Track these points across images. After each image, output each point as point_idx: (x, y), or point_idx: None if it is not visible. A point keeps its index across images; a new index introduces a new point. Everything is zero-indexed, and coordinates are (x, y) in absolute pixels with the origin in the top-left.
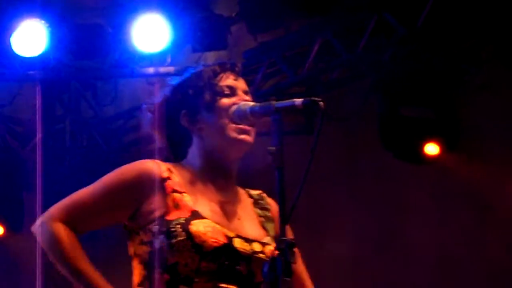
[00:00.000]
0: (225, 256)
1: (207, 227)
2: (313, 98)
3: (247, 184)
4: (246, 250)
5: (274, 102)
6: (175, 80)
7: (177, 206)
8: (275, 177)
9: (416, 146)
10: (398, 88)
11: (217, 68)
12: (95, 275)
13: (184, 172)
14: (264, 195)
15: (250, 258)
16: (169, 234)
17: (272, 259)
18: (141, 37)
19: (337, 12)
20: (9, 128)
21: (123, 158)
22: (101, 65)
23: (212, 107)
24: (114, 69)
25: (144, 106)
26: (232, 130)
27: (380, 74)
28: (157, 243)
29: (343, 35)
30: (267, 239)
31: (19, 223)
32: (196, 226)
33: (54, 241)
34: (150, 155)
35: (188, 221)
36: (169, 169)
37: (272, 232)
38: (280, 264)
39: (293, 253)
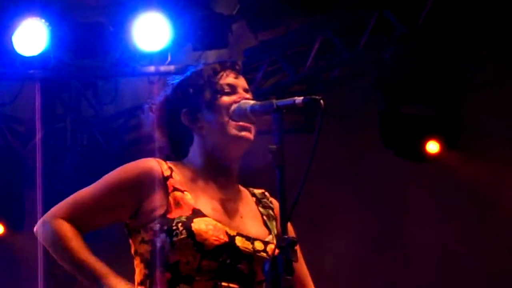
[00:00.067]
0: (227, 254)
1: (209, 225)
2: (313, 97)
3: (248, 183)
4: (248, 249)
5: (274, 101)
6: (176, 79)
7: (178, 204)
8: (276, 176)
9: (417, 144)
10: (399, 86)
11: (217, 66)
12: (100, 264)
13: (185, 171)
14: (267, 194)
15: (251, 256)
16: (170, 232)
17: (273, 257)
18: (141, 36)
19: (337, 10)
20: (10, 127)
21: (123, 157)
22: (102, 64)
23: (213, 106)
24: (115, 67)
25: (146, 105)
26: (232, 127)
27: (381, 72)
28: (158, 242)
29: (343, 33)
30: (269, 238)
31: (19, 222)
32: (198, 224)
33: (57, 236)
34: (150, 154)
35: (189, 219)
36: (170, 168)
37: (275, 231)
38: (282, 262)
39: (295, 251)
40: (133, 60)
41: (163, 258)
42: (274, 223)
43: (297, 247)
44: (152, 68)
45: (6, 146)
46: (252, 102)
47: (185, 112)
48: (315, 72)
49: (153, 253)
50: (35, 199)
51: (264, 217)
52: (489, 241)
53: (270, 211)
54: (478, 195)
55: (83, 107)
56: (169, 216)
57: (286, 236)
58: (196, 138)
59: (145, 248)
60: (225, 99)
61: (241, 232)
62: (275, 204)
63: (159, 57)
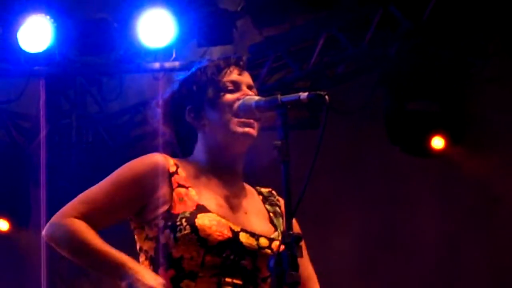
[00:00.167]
0: (230, 250)
1: (212, 221)
2: (318, 92)
3: (254, 180)
4: (252, 245)
5: (279, 96)
6: (181, 76)
7: (182, 200)
8: (281, 171)
9: (422, 140)
10: (404, 82)
11: (221, 63)
12: (120, 253)
13: (190, 168)
14: (274, 192)
15: (255, 253)
16: (174, 228)
17: (278, 253)
18: (146, 32)
19: (342, 6)
20: (15, 124)
21: (128, 153)
22: (107, 60)
23: (215, 103)
24: (120, 64)
25: (154, 101)
26: (235, 124)
27: (386, 68)
28: (162, 238)
29: (348, 29)
30: (275, 235)
31: (25, 218)
32: (202, 220)
33: (71, 233)
34: (155, 150)
35: (193, 214)
36: (176, 164)
37: (281, 228)
38: (287, 258)
39: (300, 247)
40: (138, 56)
41: (166, 255)
42: (280, 220)
43: (302, 243)
44: (157, 65)
45: (11, 142)
46: (257, 97)
47: (189, 109)
48: (320, 68)
49: (157, 250)
50: (40, 196)
51: (271, 214)
52: (495, 237)
53: (277, 208)
54: (484, 189)
55: (88, 103)
56: (173, 211)
57: (291, 232)
58: (200, 136)
59: (149, 245)
60: (228, 96)
61: (246, 228)
62: (282, 202)
63: (164, 54)
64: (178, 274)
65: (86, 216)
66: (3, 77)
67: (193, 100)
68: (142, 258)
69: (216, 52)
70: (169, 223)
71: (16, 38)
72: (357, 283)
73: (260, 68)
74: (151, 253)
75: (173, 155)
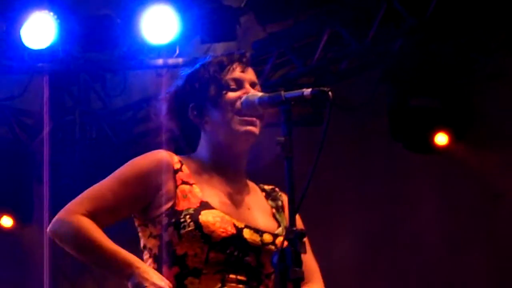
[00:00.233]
0: (234, 246)
1: (216, 217)
2: (322, 88)
3: (258, 177)
4: (256, 241)
5: (283, 92)
6: (186, 71)
7: (186, 197)
8: (284, 167)
9: (425, 136)
10: (408, 78)
11: (224, 60)
12: (127, 252)
13: (194, 165)
14: (277, 189)
15: (259, 249)
16: (178, 224)
17: (282, 249)
18: (150, 29)
19: (346, 2)
20: (18, 121)
21: (132, 150)
22: (110, 56)
23: (217, 102)
24: (123, 60)
25: (160, 96)
26: (236, 123)
27: (389, 64)
28: (166, 236)
29: (352, 25)
30: (279, 231)
31: (28, 215)
32: (205, 216)
33: (77, 230)
34: (159, 147)
35: (197, 211)
36: (180, 161)
37: (284, 223)
38: (290, 254)
39: (303, 243)
40: (141, 53)
41: (170, 252)
42: (283, 214)
43: (306, 239)
44: (160, 61)
45: (14, 139)
46: (260, 94)
47: (192, 107)
48: (324, 64)
49: (161, 247)
50: (43, 193)
51: (274, 210)
52: (499, 232)
53: (279, 202)
54: (487, 186)
55: (91, 100)
56: (177, 208)
57: (294, 228)
58: (202, 133)
59: (153, 243)
60: (230, 95)
61: (249, 225)
62: (284, 197)
63: (168, 50)
64: (182, 271)
65: (91, 213)
66: (7, 74)
67: (195, 97)
68: (146, 255)
69: (219, 48)
70: (173, 220)
71: (20, 35)
72: (358, 279)
73: (263, 65)
74: (155, 250)
75: (178, 150)
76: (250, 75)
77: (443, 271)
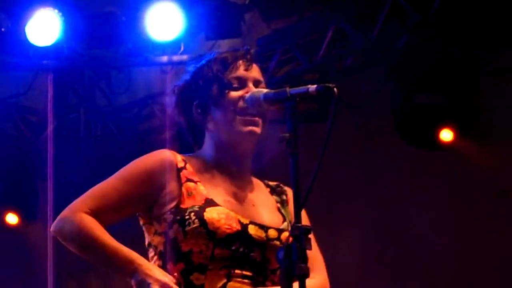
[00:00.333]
0: (239, 242)
1: (221, 214)
2: (327, 85)
3: (262, 173)
4: (261, 237)
5: (288, 89)
6: (192, 67)
7: (191, 194)
8: (289, 164)
9: (430, 132)
10: (412, 75)
11: (228, 57)
12: (130, 250)
13: (198, 163)
14: (282, 184)
15: (264, 244)
16: (183, 222)
17: (287, 245)
18: (154, 26)
19: None
20: (23, 118)
21: (137, 147)
22: (115, 54)
23: (219, 102)
24: (128, 57)
25: (169, 90)
26: (239, 123)
27: (394, 61)
28: (171, 233)
29: (356, 22)
30: (284, 225)
31: (33, 213)
32: (210, 213)
33: (80, 229)
34: (164, 144)
35: (202, 208)
36: (184, 160)
37: (289, 217)
38: (295, 250)
39: (308, 239)
40: (146, 50)
41: (176, 249)
42: (287, 208)
43: (311, 235)
44: (165, 58)
45: (19, 136)
46: (265, 90)
47: (196, 105)
48: (328, 60)
49: (166, 244)
50: (48, 190)
51: (278, 205)
52: (504, 228)
53: (284, 197)
54: (492, 181)
55: (96, 97)
56: (182, 206)
57: (299, 225)
58: (206, 131)
59: (158, 240)
60: (233, 94)
61: (254, 221)
62: (289, 191)
63: (172, 47)
64: (187, 267)
65: (95, 212)
66: (12, 71)
67: (199, 95)
68: (151, 253)
69: (224, 45)
70: (178, 218)
71: (25, 32)
72: (363, 276)
73: (268, 61)
74: (161, 248)
75: (184, 146)
76: (254, 73)
77: (449, 269)
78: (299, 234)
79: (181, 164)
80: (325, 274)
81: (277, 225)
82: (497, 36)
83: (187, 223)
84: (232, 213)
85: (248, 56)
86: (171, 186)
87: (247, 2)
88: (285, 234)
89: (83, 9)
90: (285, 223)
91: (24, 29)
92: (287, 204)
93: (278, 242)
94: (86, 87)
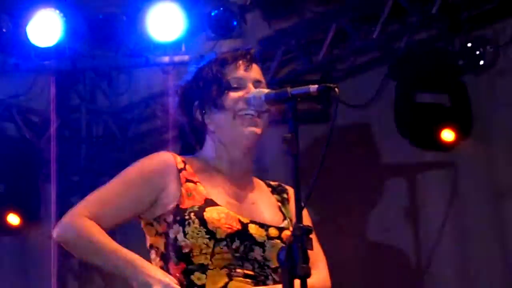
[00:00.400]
0: (240, 242)
1: (221, 214)
2: (328, 85)
3: (263, 173)
4: (261, 236)
5: (289, 89)
6: (194, 66)
7: (190, 195)
8: (290, 164)
9: (432, 132)
10: (414, 75)
11: (228, 57)
12: (130, 252)
13: (198, 163)
14: (283, 184)
15: (265, 243)
16: (183, 222)
17: (289, 245)
18: (155, 26)
19: None
20: (25, 119)
21: (138, 148)
22: (116, 54)
23: (219, 103)
24: (129, 58)
25: (171, 90)
26: (238, 125)
27: (396, 61)
28: (171, 233)
29: (358, 22)
30: (285, 224)
31: (35, 213)
32: (210, 213)
33: (81, 232)
34: (165, 145)
35: (202, 208)
36: (183, 161)
37: (289, 215)
38: (297, 250)
39: (310, 239)
40: (147, 50)
41: (176, 249)
42: (288, 206)
43: (313, 235)
44: (166, 59)
45: (21, 137)
46: (266, 90)
47: (196, 105)
48: (330, 60)
49: (167, 245)
50: (50, 190)
51: (279, 203)
52: (507, 229)
53: (284, 195)
54: (494, 182)
55: (97, 97)
56: (182, 206)
57: (301, 225)
58: (207, 132)
59: (159, 241)
60: (232, 95)
61: (255, 219)
62: (290, 189)
63: (173, 47)
64: (188, 267)
65: (97, 216)
66: (13, 72)
67: (200, 96)
68: (153, 254)
69: (225, 45)
70: (178, 218)
71: (26, 33)
72: (363, 276)
73: (270, 61)
74: (162, 248)
75: (186, 147)
76: (253, 73)
77: (449, 269)
78: (301, 234)
79: (180, 165)
80: (327, 272)
81: (277, 223)
82: (499, 35)
83: (187, 223)
84: (232, 213)
85: (248, 56)
86: (171, 187)
87: (248, 2)
88: (286, 233)
89: (84, 10)
90: (286, 221)
91: (25, 30)
92: (288, 203)
93: (278, 241)
94: (87, 87)
